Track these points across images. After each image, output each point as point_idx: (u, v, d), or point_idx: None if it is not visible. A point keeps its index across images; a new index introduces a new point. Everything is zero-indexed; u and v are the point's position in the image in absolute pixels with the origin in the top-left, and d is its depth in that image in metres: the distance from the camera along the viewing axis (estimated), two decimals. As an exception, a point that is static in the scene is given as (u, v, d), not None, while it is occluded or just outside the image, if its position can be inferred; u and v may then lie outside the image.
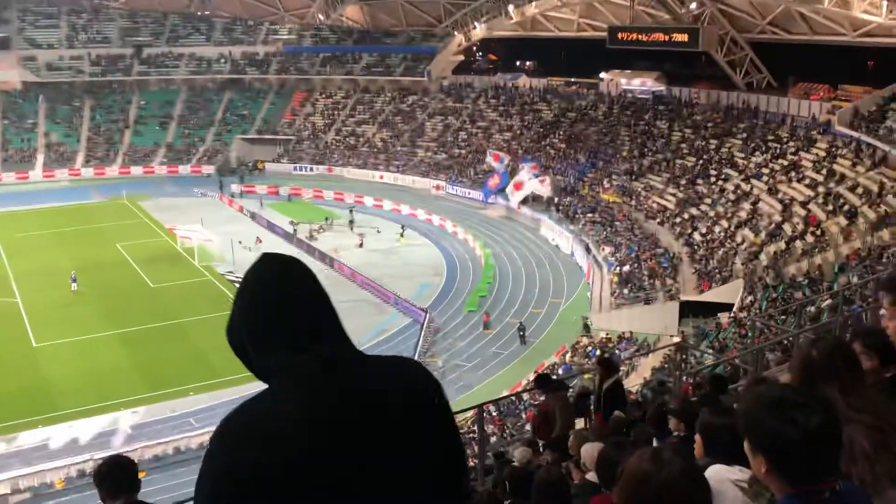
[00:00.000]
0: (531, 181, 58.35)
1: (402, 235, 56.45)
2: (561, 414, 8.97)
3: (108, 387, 33.70)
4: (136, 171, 77.43)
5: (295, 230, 56.76)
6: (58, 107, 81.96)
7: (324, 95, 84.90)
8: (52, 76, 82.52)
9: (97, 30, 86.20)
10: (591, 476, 5.50)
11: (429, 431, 1.75)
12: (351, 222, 59.26)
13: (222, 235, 52.49)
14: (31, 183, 73.72)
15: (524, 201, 59.21)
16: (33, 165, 76.14)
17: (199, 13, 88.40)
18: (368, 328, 40.66)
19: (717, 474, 3.30)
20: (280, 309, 1.83)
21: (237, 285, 1.89)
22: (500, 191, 61.68)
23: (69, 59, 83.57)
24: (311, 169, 76.19)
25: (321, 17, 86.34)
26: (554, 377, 10.04)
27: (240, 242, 52.46)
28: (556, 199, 58.07)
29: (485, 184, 63.45)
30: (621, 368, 30.64)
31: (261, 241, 53.89)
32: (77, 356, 36.97)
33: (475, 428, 11.11)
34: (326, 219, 59.56)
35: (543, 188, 58.14)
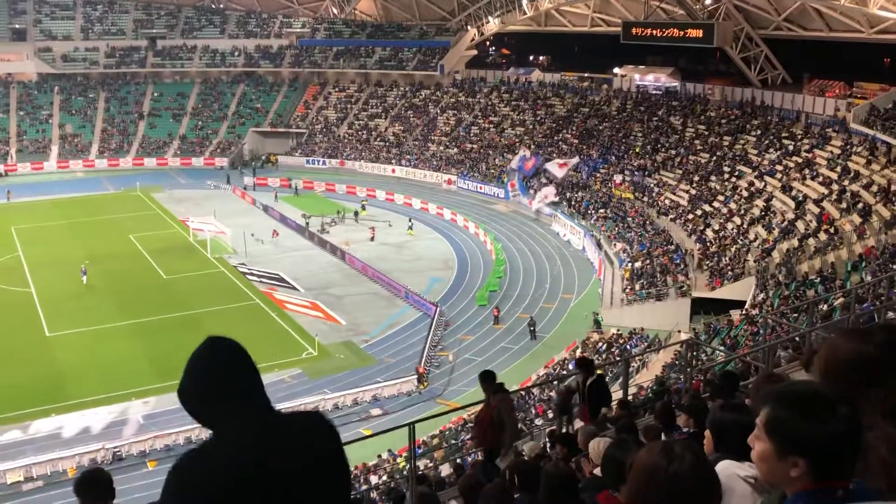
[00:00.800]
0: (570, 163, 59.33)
1: (410, 228, 56.77)
2: (508, 417, 8.76)
3: (119, 377, 33.93)
4: (150, 162, 77.80)
5: (307, 223, 56.88)
6: (73, 98, 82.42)
7: (337, 89, 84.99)
8: (67, 67, 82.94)
9: (112, 21, 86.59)
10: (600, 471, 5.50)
11: (327, 477, 2.34)
12: (356, 213, 59.65)
13: (235, 228, 52.65)
14: (46, 173, 74.21)
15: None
16: (48, 156, 76.61)
17: (213, 5, 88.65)
18: (379, 321, 40.76)
19: (727, 469, 3.31)
20: (220, 376, 2.45)
21: (191, 357, 2.55)
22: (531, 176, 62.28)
23: (84, 51, 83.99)
24: (324, 162, 76.34)
25: (335, 10, 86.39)
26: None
27: (252, 235, 52.68)
28: (567, 195, 58.00)
29: (519, 171, 63.68)
30: (632, 365, 30.57)
31: (277, 235, 54.13)
32: (89, 346, 37.23)
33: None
34: (338, 212, 59.67)
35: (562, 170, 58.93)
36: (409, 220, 57.85)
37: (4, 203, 63.51)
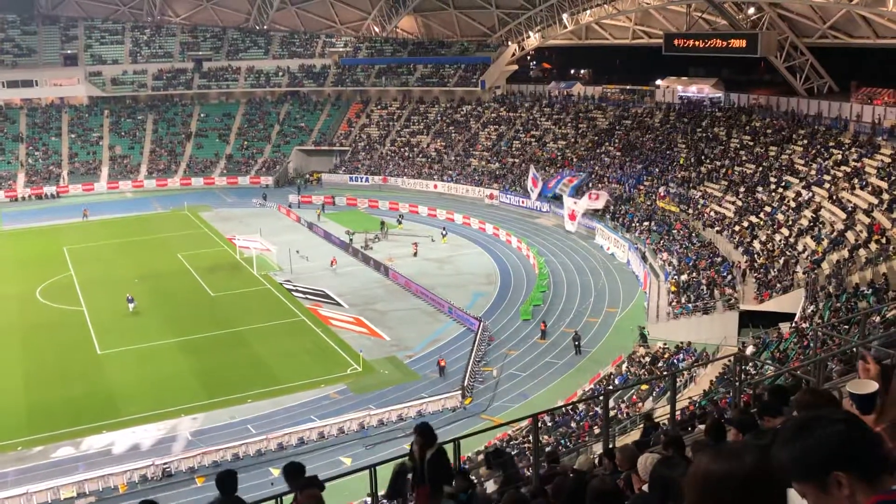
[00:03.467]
0: (581, 201, 58.13)
1: (444, 236, 57.75)
2: None
3: (169, 393, 34.44)
4: (197, 182, 79.19)
5: (351, 239, 57.33)
6: (122, 120, 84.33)
7: (379, 107, 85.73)
8: (116, 90, 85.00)
9: (159, 45, 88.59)
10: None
11: None
12: (382, 223, 60.53)
13: (280, 245, 53.26)
14: (97, 194, 75.93)
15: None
16: (98, 177, 78.42)
17: (257, 27, 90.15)
18: (423, 336, 40.81)
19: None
20: None
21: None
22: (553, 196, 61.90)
23: (133, 74, 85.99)
24: (367, 179, 76.95)
25: (376, 29, 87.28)
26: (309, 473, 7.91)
27: (297, 252, 53.21)
28: (611, 208, 57.58)
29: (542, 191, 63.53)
30: (679, 379, 30.17)
31: (336, 263, 52.50)
32: (139, 363, 37.86)
33: (530, 437, 11.10)
34: (382, 227, 60.12)
35: (598, 202, 57.66)
36: (443, 229, 58.94)
37: (83, 221, 65.65)
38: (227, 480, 7.12)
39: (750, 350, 32.45)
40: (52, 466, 29.14)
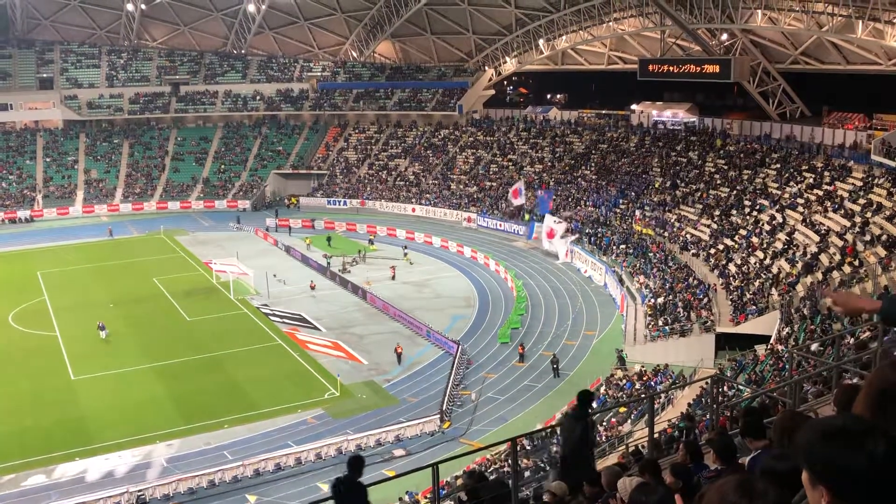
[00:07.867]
0: (560, 224, 58.50)
1: (405, 255, 58.47)
2: None
3: (144, 420, 34.00)
4: (174, 206, 78.72)
5: (328, 263, 57.16)
6: (98, 144, 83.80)
7: (357, 130, 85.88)
8: (92, 114, 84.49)
9: (136, 69, 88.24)
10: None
11: None
12: (329, 238, 62.30)
13: (257, 269, 53.00)
14: (72, 218, 75.25)
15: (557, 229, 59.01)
16: (73, 201, 77.76)
17: (234, 51, 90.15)
18: (401, 360, 40.63)
19: None
20: None
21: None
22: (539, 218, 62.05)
23: (109, 98, 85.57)
24: (345, 203, 76.92)
25: (354, 53, 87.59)
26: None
27: (274, 276, 52.94)
28: (587, 230, 57.87)
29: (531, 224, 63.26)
30: (657, 402, 30.17)
31: (315, 286, 52.38)
32: (114, 389, 37.37)
33: (509, 461, 11.05)
34: (359, 251, 60.05)
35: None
36: (405, 248, 60.00)
37: (108, 240, 66.74)
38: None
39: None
40: (23, 495, 28.62)
